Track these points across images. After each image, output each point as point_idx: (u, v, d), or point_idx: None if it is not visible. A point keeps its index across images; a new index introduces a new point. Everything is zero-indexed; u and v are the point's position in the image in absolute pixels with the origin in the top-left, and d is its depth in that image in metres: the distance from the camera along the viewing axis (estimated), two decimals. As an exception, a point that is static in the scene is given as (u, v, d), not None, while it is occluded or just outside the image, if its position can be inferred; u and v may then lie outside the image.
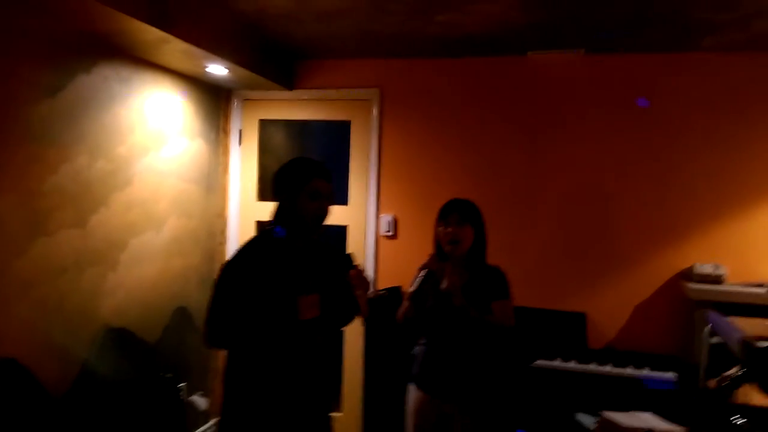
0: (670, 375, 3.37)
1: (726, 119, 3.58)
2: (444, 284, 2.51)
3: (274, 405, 2.14)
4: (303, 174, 2.18)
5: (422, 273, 2.45)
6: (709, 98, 3.61)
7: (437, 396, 2.52)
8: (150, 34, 2.80)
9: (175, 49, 3.10)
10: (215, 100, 4.17)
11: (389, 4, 2.97)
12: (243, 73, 3.61)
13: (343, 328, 2.49)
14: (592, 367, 3.46)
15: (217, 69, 3.56)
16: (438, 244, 2.60)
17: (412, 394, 2.62)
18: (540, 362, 3.47)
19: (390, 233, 4.06)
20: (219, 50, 3.21)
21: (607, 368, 3.44)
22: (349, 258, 2.30)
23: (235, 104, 4.30)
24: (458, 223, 2.50)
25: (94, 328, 3.14)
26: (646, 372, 3.41)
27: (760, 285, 3.42)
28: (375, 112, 4.05)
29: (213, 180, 4.19)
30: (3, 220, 2.57)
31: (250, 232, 4.32)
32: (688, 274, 3.57)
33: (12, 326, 2.64)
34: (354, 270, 2.24)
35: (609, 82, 3.74)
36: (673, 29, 3.26)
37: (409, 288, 2.55)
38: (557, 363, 3.49)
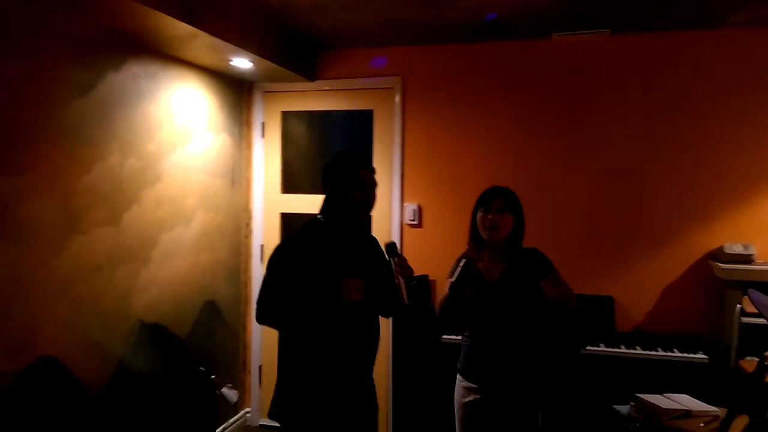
0: (700, 355, 3.39)
1: (755, 97, 3.55)
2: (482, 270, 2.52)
3: (323, 385, 2.25)
4: (349, 166, 2.32)
5: (462, 263, 2.45)
6: (737, 76, 3.57)
7: (485, 386, 2.52)
8: (179, 29, 2.80)
9: (202, 44, 3.10)
10: (238, 94, 4.17)
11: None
12: (266, 65, 3.61)
13: (386, 317, 2.55)
14: (621, 349, 3.47)
15: (242, 62, 3.55)
16: (473, 230, 2.60)
17: (459, 384, 2.62)
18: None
19: (414, 222, 4.07)
20: (244, 43, 3.21)
21: (636, 350, 3.46)
22: (393, 246, 2.35)
23: (257, 97, 4.30)
24: (499, 210, 2.50)
25: (129, 325, 3.18)
26: (675, 353, 3.43)
27: (790, 264, 3.42)
28: (398, 100, 4.04)
29: (237, 173, 4.21)
30: (41, 221, 2.59)
31: (275, 225, 4.34)
32: (717, 255, 3.56)
33: (52, 325, 2.68)
34: (398, 258, 2.30)
35: (636, 62, 3.71)
36: (700, 5, 3.21)
37: (449, 278, 2.56)
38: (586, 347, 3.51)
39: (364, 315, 2.34)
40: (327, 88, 4.19)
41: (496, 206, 2.52)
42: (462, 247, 2.52)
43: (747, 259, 3.46)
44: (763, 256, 3.51)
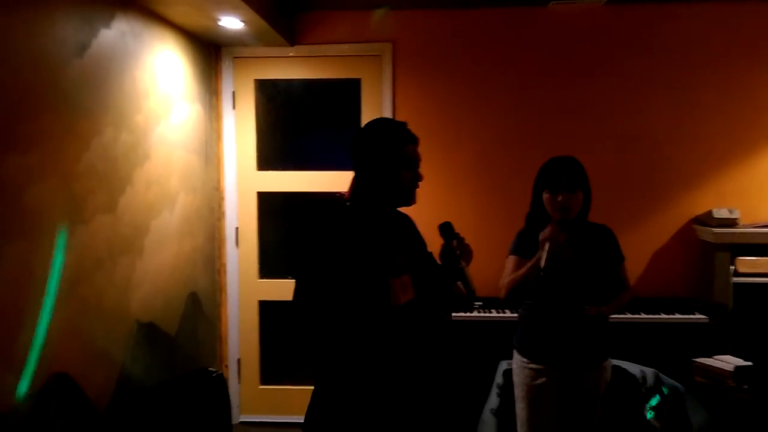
0: (699, 316, 3.54)
1: (737, 67, 3.72)
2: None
3: (372, 403, 1.88)
4: (394, 140, 1.90)
5: (548, 246, 2.29)
6: (721, 47, 3.72)
7: (557, 366, 2.41)
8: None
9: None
10: (207, 59, 3.70)
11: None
12: (258, 26, 3.21)
13: (446, 317, 2.24)
14: (627, 315, 3.54)
15: (232, 22, 3.13)
16: (536, 208, 2.47)
17: (522, 366, 2.47)
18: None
19: (409, 197, 3.87)
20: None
21: (641, 315, 3.55)
22: (449, 226, 2.03)
23: (226, 63, 3.84)
24: (569, 189, 2.36)
25: (128, 327, 2.74)
26: (677, 316, 3.56)
27: (769, 225, 3.66)
28: (388, 68, 3.79)
29: (210, 149, 3.76)
30: (46, 209, 2.12)
31: (252, 205, 3.96)
32: (704, 220, 3.73)
33: (61, 334, 2.21)
34: (456, 240, 2.01)
35: (628, 32, 3.75)
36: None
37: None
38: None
39: (417, 318, 1.98)
40: (308, 54, 3.83)
41: (564, 186, 2.37)
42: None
43: (733, 222, 3.64)
44: (744, 219, 3.71)
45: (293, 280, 1.85)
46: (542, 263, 2.27)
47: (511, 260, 2.49)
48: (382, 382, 1.88)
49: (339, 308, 1.79)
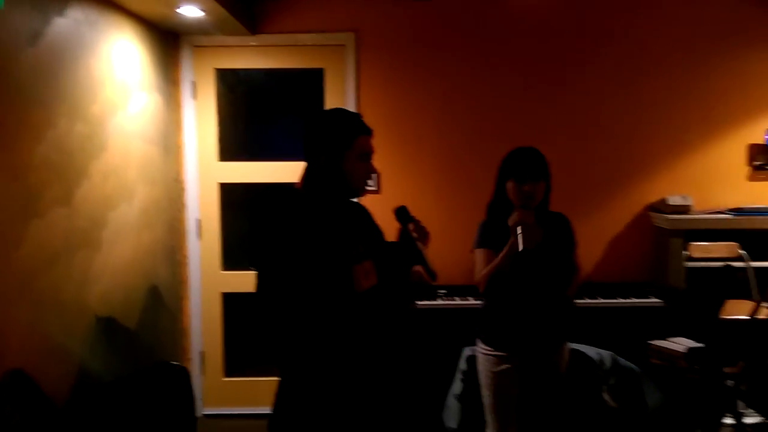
0: (655, 300, 3.65)
1: (691, 59, 3.83)
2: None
3: (339, 390, 1.90)
4: (348, 131, 1.90)
5: (520, 230, 2.32)
6: (677, 39, 3.82)
7: (519, 355, 2.46)
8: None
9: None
10: (165, 48, 3.63)
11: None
12: (218, 15, 3.16)
13: (409, 302, 2.28)
14: (586, 300, 3.62)
15: (190, 10, 3.08)
16: (499, 197, 2.50)
17: (484, 354, 2.51)
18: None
19: (373, 188, 3.89)
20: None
21: (598, 300, 3.65)
22: (405, 210, 2.04)
23: (185, 52, 3.77)
24: (534, 180, 2.40)
25: (86, 321, 2.69)
26: (633, 300, 3.66)
27: (721, 212, 3.79)
28: (351, 58, 3.78)
29: (170, 140, 3.69)
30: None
31: (213, 196, 3.91)
32: (659, 207, 3.84)
33: (15, 330, 2.17)
34: (413, 223, 2.02)
35: (587, 24, 3.83)
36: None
37: (477, 248, 2.45)
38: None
39: (380, 302, 2.00)
40: (269, 43, 3.78)
41: (529, 176, 2.40)
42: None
43: (686, 209, 3.76)
44: (697, 206, 3.83)
45: (256, 272, 1.85)
46: (520, 246, 2.29)
47: (480, 253, 2.49)
48: (347, 368, 1.90)
49: (303, 297, 1.80)
